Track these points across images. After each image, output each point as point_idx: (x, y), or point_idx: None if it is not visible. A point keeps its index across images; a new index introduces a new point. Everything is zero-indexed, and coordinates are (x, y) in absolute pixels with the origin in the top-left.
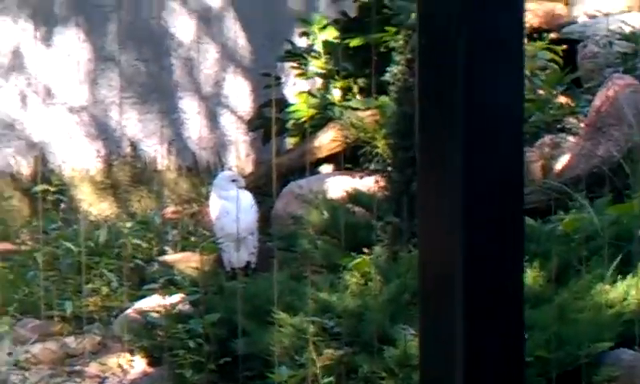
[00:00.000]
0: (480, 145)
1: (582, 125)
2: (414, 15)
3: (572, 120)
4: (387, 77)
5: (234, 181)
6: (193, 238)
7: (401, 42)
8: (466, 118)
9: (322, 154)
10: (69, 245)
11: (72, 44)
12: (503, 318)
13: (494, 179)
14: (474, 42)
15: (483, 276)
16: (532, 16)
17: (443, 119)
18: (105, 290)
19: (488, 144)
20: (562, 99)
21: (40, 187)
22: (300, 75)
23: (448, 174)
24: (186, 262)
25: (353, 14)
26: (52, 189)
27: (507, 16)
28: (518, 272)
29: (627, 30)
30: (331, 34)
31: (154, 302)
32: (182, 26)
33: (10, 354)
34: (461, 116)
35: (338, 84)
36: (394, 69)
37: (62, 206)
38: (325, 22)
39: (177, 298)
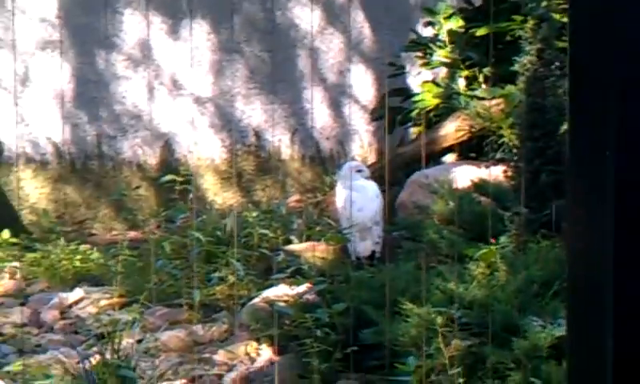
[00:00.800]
0: (634, 148)
1: None
2: (543, 3)
3: None
4: (516, 67)
5: (359, 171)
6: (318, 228)
7: (529, 31)
8: (620, 119)
9: (447, 143)
10: (196, 234)
11: (198, 36)
12: None
13: None
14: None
15: (634, 279)
16: None
17: (595, 118)
18: (232, 278)
19: None
20: None
21: (167, 177)
22: (424, 65)
23: (600, 173)
24: (312, 251)
25: (478, 2)
26: (179, 178)
27: None
28: None
29: None
30: (456, 23)
31: (280, 291)
32: (306, 17)
33: (139, 341)
34: (614, 115)
35: (463, 73)
36: (524, 58)
37: (190, 195)
38: (450, 11)
39: (303, 287)
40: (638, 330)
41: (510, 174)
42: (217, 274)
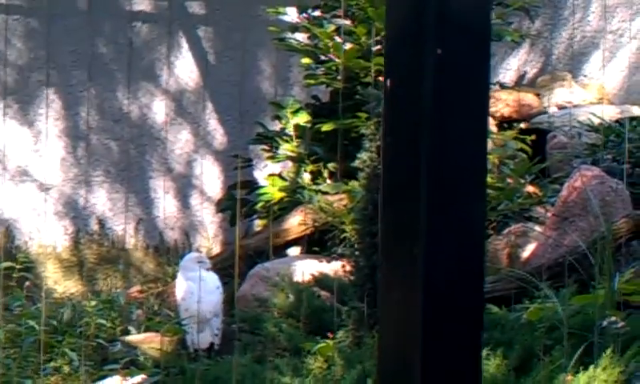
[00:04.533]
0: (440, 236)
1: (549, 214)
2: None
3: (539, 209)
4: (357, 163)
5: (200, 262)
6: (157, 319)
7: (371, 129)
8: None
9: (291, 236)
10: (31, 322)
11: (44, 121)
12: None
13: (453, 268)
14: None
15: (441, 365)
16: (503, 105)
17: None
18: (66, 368)
19: (449, 236)
20: (530, 188)
21: (5, 264)
22: (271, 158)
23: (409, 261)
24: (150, 342)
25: (325, 99)
26: (17, 266)
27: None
28: (476, 355)
29: (596, 121)
30: (303, 118)
31: (115, 383)
32: (155, 106)
33: None
34: (425, 207)
35: (309, 168)
36: (364, 155)
37: (27, 283)
38: (297, 106)
39: (138, 378)
40: None
41: (348, 268)
42: (51, 364)
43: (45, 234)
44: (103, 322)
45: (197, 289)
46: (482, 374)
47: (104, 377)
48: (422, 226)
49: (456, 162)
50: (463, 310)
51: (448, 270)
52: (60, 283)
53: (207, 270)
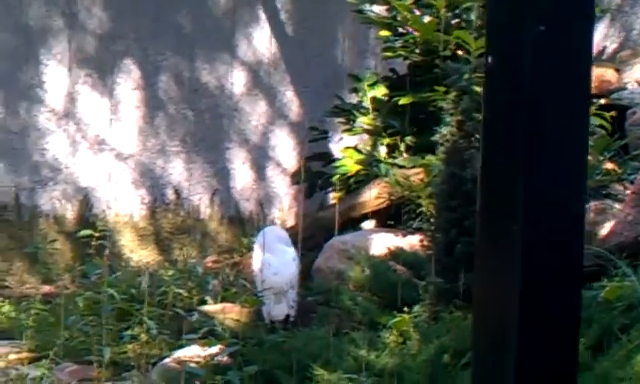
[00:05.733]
0: (539, 213)
1: (629, 192)
2: (465, 76)
3: (618, 187)
4: (436, 137)
5: (277, 234)
6: (233, 289)
7: (450, 103)
8: (527, 191)
9: (367, 209)
10: (110, 290)
11: (122, 91)
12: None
13: (552, 247)
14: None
15: (537, 346)
16: None
17: (505, 189)
18: (144, 337)
19: (548, 215)
20: (609, 165)
21: (84, 232)
22: (347, 130)
23: (507, 238)
24: (227, 312)
25: (403, 72)
26: (96, 234)
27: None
28: (572, 344)
29: None
30: (380, 91)
31: (192, 352)
32: (231, 77)
33: None
34: (521, 187)
35: (385, 141)
36: (444, 129)
37: (106, 251)
38: (375, 78)
39: (216, 348)
40: None
41: (426, 243)
42: (129, 332)
43: (122, 203)
44: (181, 291)
45: (274, 260)
46: (578, 353)
47: (182, 346)
48: (520, 203)
49: (555, 141)
50: (561, 288)
51: (546, 248)
52: (136, 252)
53: (285, 243)
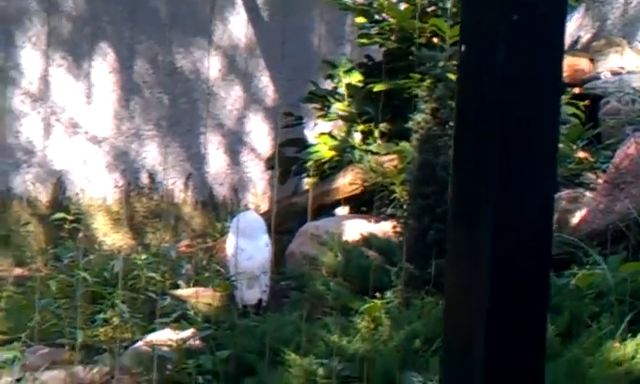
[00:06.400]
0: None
1: (601, 181)
2: (440, 63)
3: (591, 175)
4: (410, 124)
5: (251, 219)
6: (206, 274)
7: (425, 90)
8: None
9: (340, 195)
10: (83, 274)
11: (97, 75)
12: (523, 373)
13: (522, 239)
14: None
15: (505, 333)
16: None
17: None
18: (116, 320)
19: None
20: (582, 154)
21: (57, 215)
22: (322, 116)
23: (479, 228)
24: (199, 297)
25: (378, 59)
26: (69, 217)
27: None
28: (541, 330)
29: None
30: (355, 77)
31: (165, 336)
32: (207, 62)
33: (18, 380)
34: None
35: (360, 127)
36: (418, 116)
37: (80, 234)
38: (350, 65)
39: (188, 332)
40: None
41: (398, 229)
42: (101, 316)
43: (95, 187)
44: (153, 275)
45: (247, 245)
46: (545, 347)
47: (154, 330)
48: (492, 193)
49: (528, 130)
50: (529, 282)
51: (516, 239)
52: (109, 235)
53: (258, 227)
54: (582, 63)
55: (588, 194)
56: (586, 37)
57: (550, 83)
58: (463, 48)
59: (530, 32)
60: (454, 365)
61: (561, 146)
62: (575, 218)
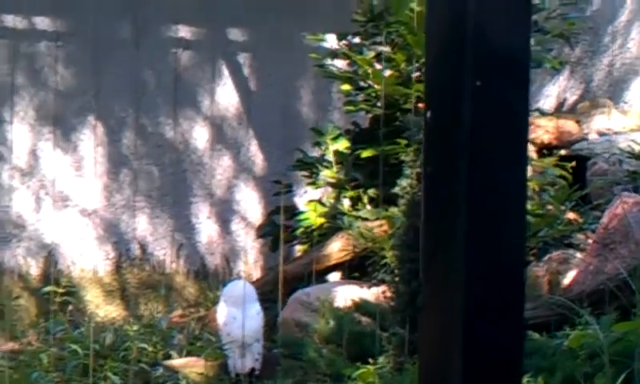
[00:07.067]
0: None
1: (590, 241)
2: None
3: (580, 236)
4: (397, 189)
5: (242, 288)
6: (199, 343)
7: (411, 156)
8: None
9: (331, 262)
10: (74, 346)
11: (86, 148)
12: None
13: (493, 297)
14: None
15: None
16: (543, 132)
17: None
18: None
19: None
20: (571, 215)
21: (48, 288)
22: (311, 184)
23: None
24: (191, 367)
25: (365, 125)
26: (60, 290)
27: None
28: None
29: (636, 148)
30: (343, 144)
31: None
32: (196, 132)
33: None
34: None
35: (348, 194)
36: (404, 182)
37: (70, 307)
38: (337, 132)
39: None
40: None
41: (388, 294)
42: None
43: (87, 259)
44: (145, 346)
45: (239, 314)
46: None
47: None
48: (461, 252)
49: (496, 190)
50: (504, 337)
51: (488, 298)
52: (101, 307)
53: (249, 295)
54: (569, 125)
55: (578, 255)
56: (571, 98)
57: (516, 144)
58: (428, 114)
59: (493, 96)
60: None
61: (550, 207)
62: (566, 279)
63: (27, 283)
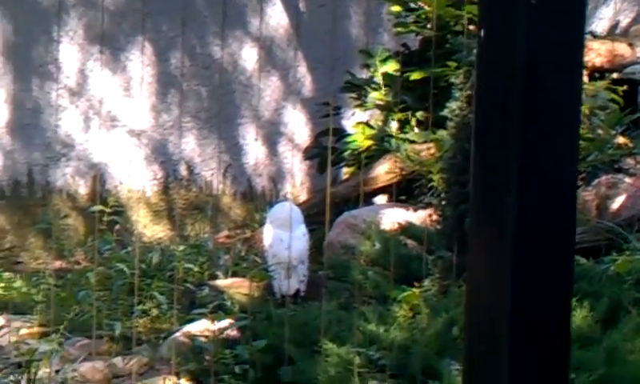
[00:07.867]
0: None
1: None
2: (475, 51)
3: (630, 161)
4: (446, 112)
5: (288, 210)
6: (244, 264)
7: (461, 78)
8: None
9: (378, 184)
10: (121, 266)
11: (135, 68)
12: (549, 358)
13: (545, 218)
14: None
15: (530, 315)
16: (594, 55)
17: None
18: (155, 312)
19: (541, 183)
20: (621, 140)
21: (96, 207)
22: (359, 106)
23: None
24: (237, 287)
25: (414, 47)
26: (108, 209)
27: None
28: (566, 314)
29: None
30: (392, 66)
31: (202, 326)
32: (244, 53)
33: (57, 371)
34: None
35: (396, 116)
36: (453, 104)
37: (117, 226)
38: (386, 54)
39: (225, 323)
40: (531, 368)
41: (435, 218)
42: (140, 307)
43: (134, 179)
44: (191, 266)
45: (285, 236)
46: (570, 327)
47: (192, 320)
48: (514, 175)
49: (548, 112)
50: (553, 263)
51: (539, 220)
52: (149, 228)
53: (295, 216)
54: (621, 48)
55: (627, 179)
56: (625, 21)
57: (570, 67)
58: (482, 33)
59: (548, 16)
60: (479, 348)
61: (600, 131)
62: (615, 204)
63: (75, 202)
